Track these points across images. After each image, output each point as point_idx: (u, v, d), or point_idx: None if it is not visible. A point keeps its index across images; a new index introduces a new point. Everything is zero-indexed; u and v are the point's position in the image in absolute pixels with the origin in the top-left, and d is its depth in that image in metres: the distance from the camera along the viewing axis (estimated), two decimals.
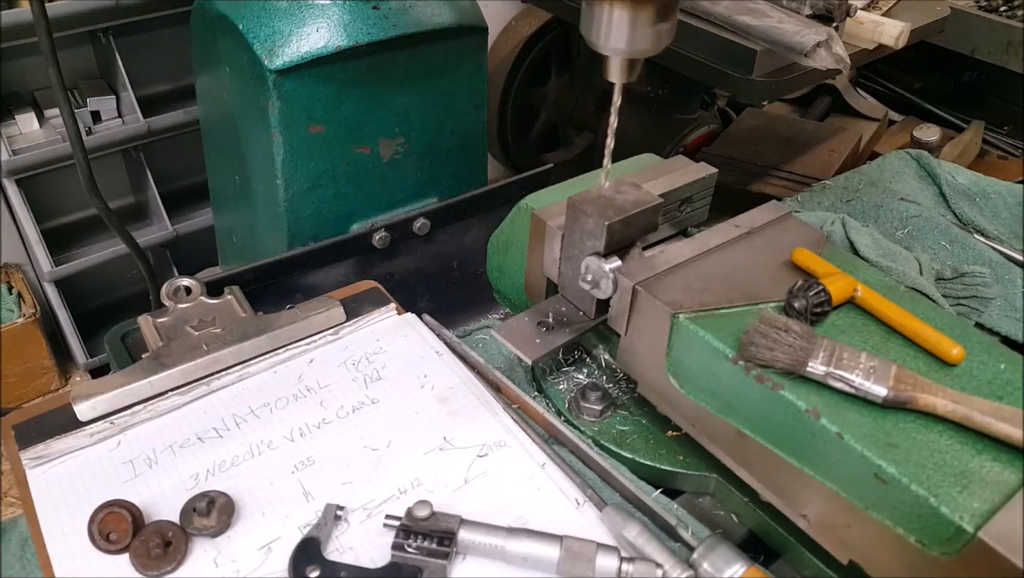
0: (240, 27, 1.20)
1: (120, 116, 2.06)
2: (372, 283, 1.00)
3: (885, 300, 0.75)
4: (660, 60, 1.14)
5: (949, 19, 1.72)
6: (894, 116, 2.49)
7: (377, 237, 1.24)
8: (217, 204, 1.71)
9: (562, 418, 0.86)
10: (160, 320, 0.89)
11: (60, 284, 2.10)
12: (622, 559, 0.66)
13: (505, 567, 0.68)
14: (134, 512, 0.69)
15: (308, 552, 0.68)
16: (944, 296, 1.04)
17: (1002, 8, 2.14)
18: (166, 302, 0.92)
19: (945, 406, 0.64)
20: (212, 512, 0.70)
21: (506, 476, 0.76)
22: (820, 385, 0.67)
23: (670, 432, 0.85)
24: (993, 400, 0.66)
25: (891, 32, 1.50)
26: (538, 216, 0.89)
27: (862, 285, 0.76)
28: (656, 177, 0.92)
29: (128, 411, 0.81)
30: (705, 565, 0.67)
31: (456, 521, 0.69)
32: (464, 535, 0.68)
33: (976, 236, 1.16)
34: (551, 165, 1.42)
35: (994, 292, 1.05)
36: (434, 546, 0.67)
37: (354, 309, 0.95)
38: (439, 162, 1.42)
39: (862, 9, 1.54)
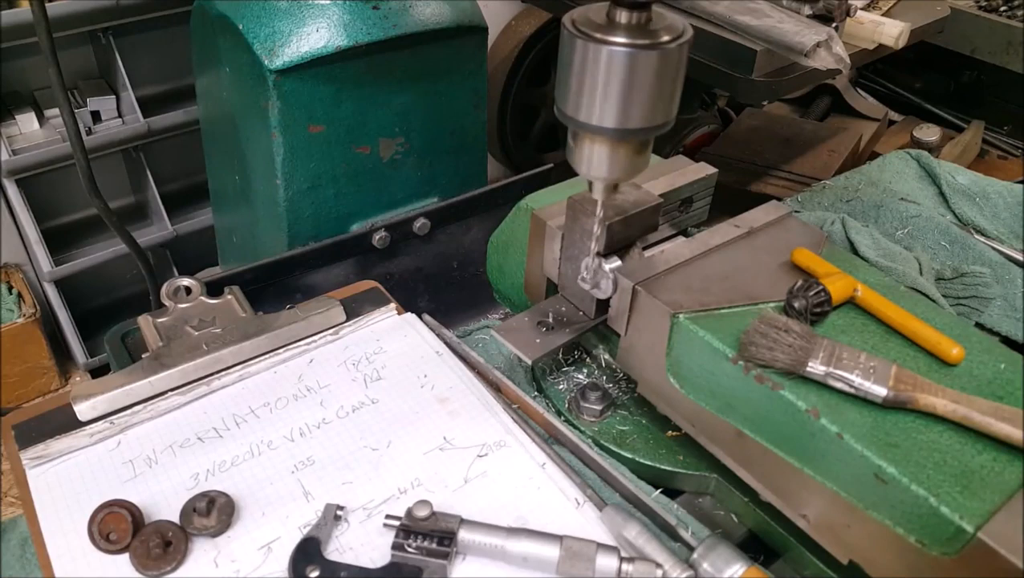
0: (240, 27, 1.20)
1: (120, 116, 2.06)
2: (372, 283, 1.00)
3: (885, 300, 0.75)
4: None
5: (949, 19, 1.71)
6: (894, 116, 2.49)
7: (377, 237, 1.24)
8: (217, 204, 1.71)
9: (562, 418, 0.86)
10: (160, 320, 0.89)
11: (60, 284, 2.10)
12: (622, 559, 0.66)
13: (505, 567, 0.68)
14: (134, 512, 0.69)
15: (308, 552, 0.68)
16: (944, 296, 1.04)
17: (1002, 8, 2.13)
18: (166, 302, 0.92)
19: (945, 406, 0.64)
20: (212, 512, 0.70)
21: (506, 476, 0.76)
22: (820, 385, 0.67)
23: (670, 432, 0.85)
24: (993, 400, 0.66)
25: (891, 32, 1.50)
26: (538, 216, 0.89)
27: (862, 285, 0.76)
28: (656, 177, 0.92)
29: (128, 411, 0.81)
30: (705, 565, 0.67)
31: (456, 521, 0.69)
32: (464, 535, 0.68)
33: (976, 236, 1.16)
34: (551, 165, 1.41)
35: (994, 292, 1.05)
36: (434, 546, 0.67)
37: (354, 309, 0.95)
38: (439, 162, 1.42)
39: (862, 9, 1.54)
